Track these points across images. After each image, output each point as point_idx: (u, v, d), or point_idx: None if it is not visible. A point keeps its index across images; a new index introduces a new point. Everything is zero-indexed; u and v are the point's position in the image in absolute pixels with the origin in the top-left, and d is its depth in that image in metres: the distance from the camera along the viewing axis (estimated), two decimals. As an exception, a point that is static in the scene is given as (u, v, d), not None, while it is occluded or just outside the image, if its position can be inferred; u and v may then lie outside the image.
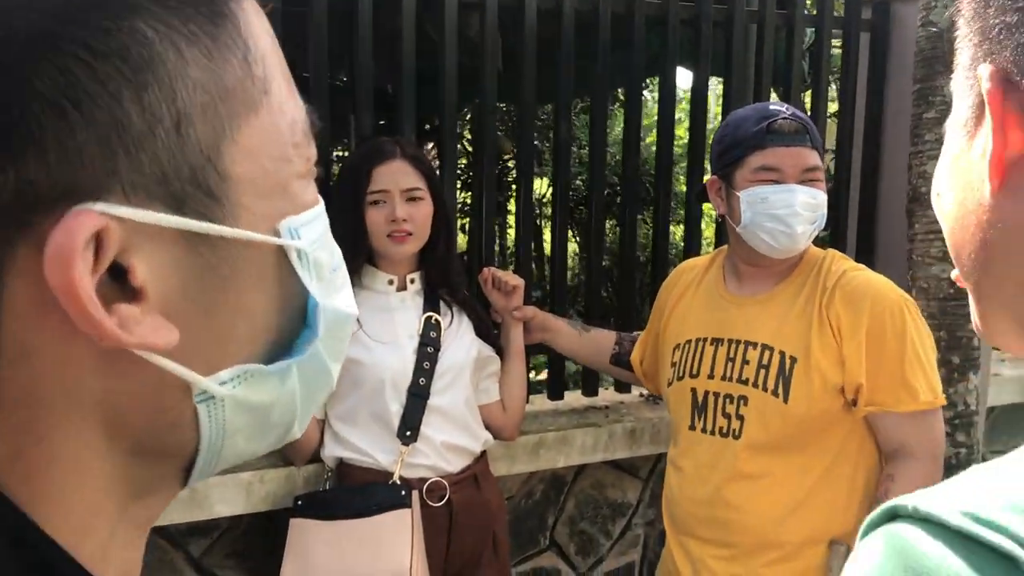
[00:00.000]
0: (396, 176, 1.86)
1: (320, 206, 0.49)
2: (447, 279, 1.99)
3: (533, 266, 7.09)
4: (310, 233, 0.45)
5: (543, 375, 3.65)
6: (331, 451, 1.89)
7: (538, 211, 8.09)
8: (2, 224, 0.35)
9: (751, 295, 1.75)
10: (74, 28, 0.35)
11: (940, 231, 0.55)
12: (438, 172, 2.12)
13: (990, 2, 0.50)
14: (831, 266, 1.70)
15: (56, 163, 0.34)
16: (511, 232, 9.40)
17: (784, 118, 1.66)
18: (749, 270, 1.77)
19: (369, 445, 1.86)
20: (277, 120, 0.43)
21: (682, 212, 4.92)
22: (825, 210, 1.70)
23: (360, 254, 1.88)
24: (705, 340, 1.77)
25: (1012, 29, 0.48)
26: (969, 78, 0.51)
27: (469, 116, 7.17)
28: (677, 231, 5.98)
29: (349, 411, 1.88)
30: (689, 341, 1.81)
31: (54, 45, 0.34)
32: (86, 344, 0.37)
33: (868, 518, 0.45)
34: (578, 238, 7.02)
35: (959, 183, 0.52)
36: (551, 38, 2.27)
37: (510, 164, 8.72)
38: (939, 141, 2.26)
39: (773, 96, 2.75)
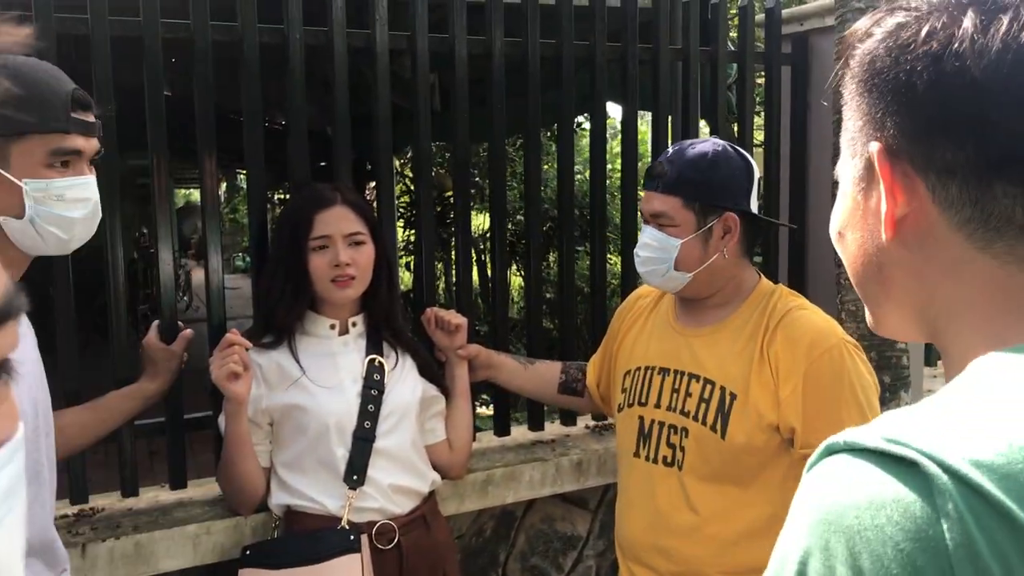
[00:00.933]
0: (338, 222, 1.87)
1: None
2: (390, 322, 2.00)
3: (480, 301, 7.13)
4: None
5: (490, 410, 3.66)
6: (278, 499, 1.88)
7: (483, 246, 8.16)
8: None
9: (697, 327, 1.77)
10: None
11: (866, 256, 0.70)
12: (376, 213, 2.14)
13: (871, 89, 0.63)
14: (777, 303, 1.70)
15: None
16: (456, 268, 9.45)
17: (658, 162, 1.75)
18: (687, 302, 1.81)
19: (316, 491, 1.85)
20: None
21: (619, 242, 5.03)
22: (672, 253, 1.70)
23: (303, 300, 1.89)
24: (654, 369, 1.80)
25: (890, 113, 0.62)
26: (857, 143, 0.66)
27: (411, 154, 7.23)
28: (618, 261, 6.05)
29: (295, 458, 1.87)
30: (639, 368, 1.84)
31: None
32: None
33: (810, 459, 0.57)
34: (521, 272, 7.09)
35: (860, 231, 0.67)
36: (484, 78, 2.32)
37: (451, 200, 8.81)
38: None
39: (704, 128, 2.83)
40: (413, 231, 6.61)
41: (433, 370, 2.08)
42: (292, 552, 1.81)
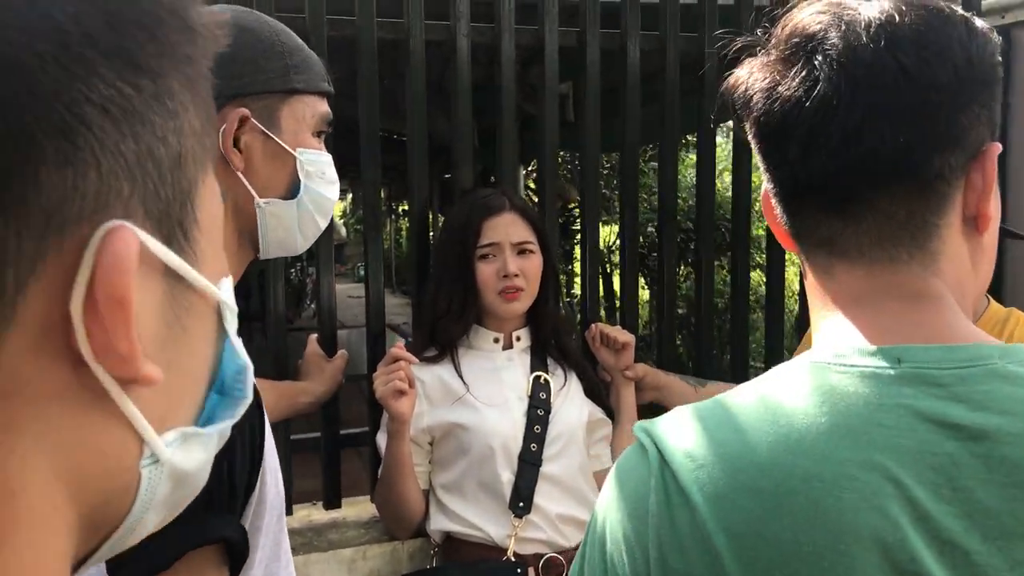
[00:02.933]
0: (507, 229, 1.75)
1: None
2: (558, 337, 1.86)
3: (603, 315, 6.97)
4: (230, 294, 0.44)
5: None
6: (438, 524, 1.76)
7: (607, 258, 7.99)
8: (34, 233, 0.31)
9: None
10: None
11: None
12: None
13: None
14: (1015, 331, 1.49)
15: (107, 172, 0.33)
16: (578, 281, 9.31)
17: None
18: None
19: (479, 518, 1.72)
20: (214, 177, 0.44)
21: (761, 258, 4.77)
22: None
23: (470, 311, 1.77)
24: None
25: None
26: None
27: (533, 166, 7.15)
28: (756, 277, 5.79)
29: (456, 480, 1.74)
30: None
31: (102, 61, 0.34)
32: (72, 381, 0.33)
33: None
34: (647, 286, 6.87)
35: None
36: (614, 86, 2.14)
37: (576, 212, 8.67)
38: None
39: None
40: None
41: (599, 391, 1.93)
42: (454, 583, 1.68)
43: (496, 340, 1.82)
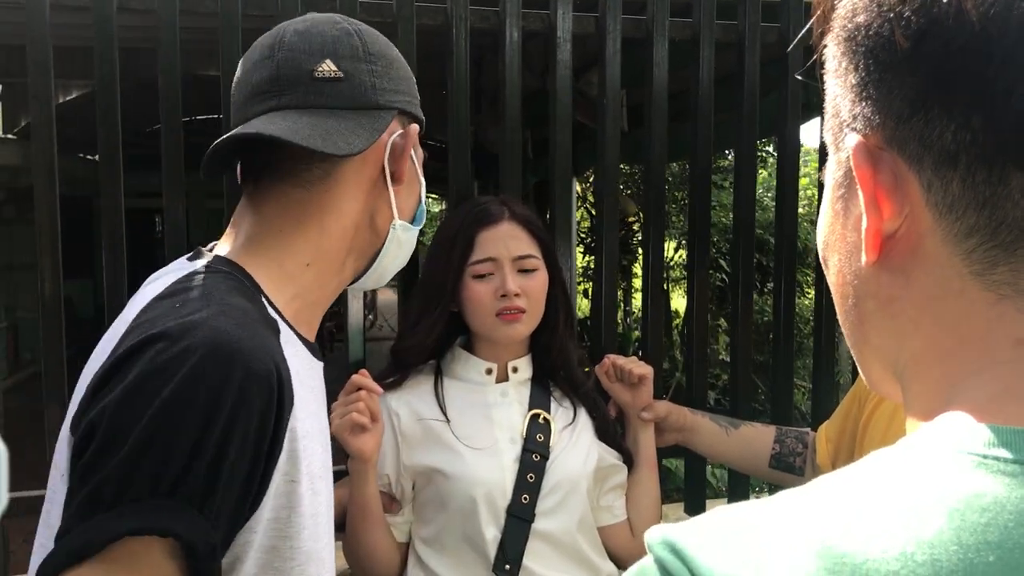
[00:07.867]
0: (507, 242, 1.51)
1: None
2: (566, 368, 1.61)
3: (663, 336, 6.68)
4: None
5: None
6: None
7: (665, 275, 7.69)
8: None
9: None
10: None
11: None
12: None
13: (855, 53, 0.45)
14: None
15: None
16: (636, 296, 8.98)
17: None
18: None
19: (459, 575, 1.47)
20: None
21: (803, 278, 4.45)
22: None
23: (439, 333, 1.54)
24: None
25: (873, 84, 0.44)
26: (838, 134, 0.49)
27: (592, 177, 6.90)
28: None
29: (436, 534, 1.50)
30: None
31: None
32: None
33: None
34: (711, 307, 6.56)
35: (838, 253, 0.51)
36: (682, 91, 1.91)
37: (635, 227, 8.37)
38: None
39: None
40: (592, 257, 6.32)
41: (613, 431, 1.66)
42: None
43: (489, 371, 1.57)
